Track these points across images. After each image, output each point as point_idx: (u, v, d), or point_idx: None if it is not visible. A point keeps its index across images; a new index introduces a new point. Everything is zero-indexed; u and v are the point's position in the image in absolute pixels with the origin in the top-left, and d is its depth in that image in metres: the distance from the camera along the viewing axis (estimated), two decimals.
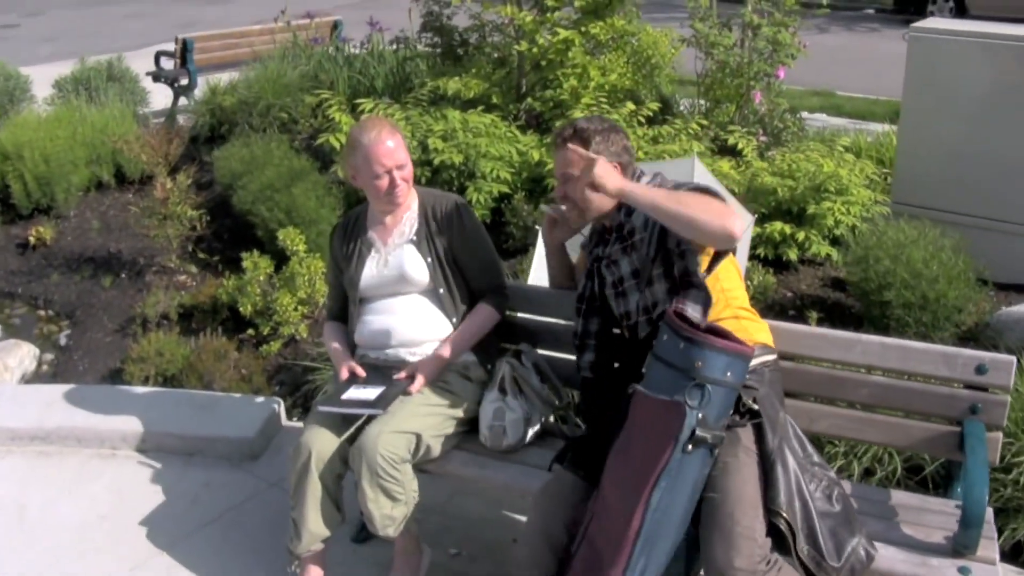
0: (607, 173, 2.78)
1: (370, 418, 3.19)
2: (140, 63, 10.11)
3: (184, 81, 9.62)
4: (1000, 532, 3.29)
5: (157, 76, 9.73)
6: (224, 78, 8.49)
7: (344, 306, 3.60)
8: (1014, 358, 2.99)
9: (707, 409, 2.51)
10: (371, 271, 3.46)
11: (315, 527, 3.25)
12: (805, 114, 7.67)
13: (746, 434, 2.75)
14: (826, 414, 3.22)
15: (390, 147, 3.33)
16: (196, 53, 9.60)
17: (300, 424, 4.46)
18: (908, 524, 2.94)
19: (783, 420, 2.82)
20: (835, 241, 5.34)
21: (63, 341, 5.76)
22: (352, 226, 3.59)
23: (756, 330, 2.97)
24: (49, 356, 5.66)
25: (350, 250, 3.53)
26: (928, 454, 3.56)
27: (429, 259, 3.42)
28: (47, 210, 7.08)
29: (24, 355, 5.54)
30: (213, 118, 7.94)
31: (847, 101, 10.11)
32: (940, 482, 3.66)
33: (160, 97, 9.80)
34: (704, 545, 2.60)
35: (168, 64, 9.86)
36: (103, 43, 14.42)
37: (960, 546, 2.78)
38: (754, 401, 2.75)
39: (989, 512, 2.88)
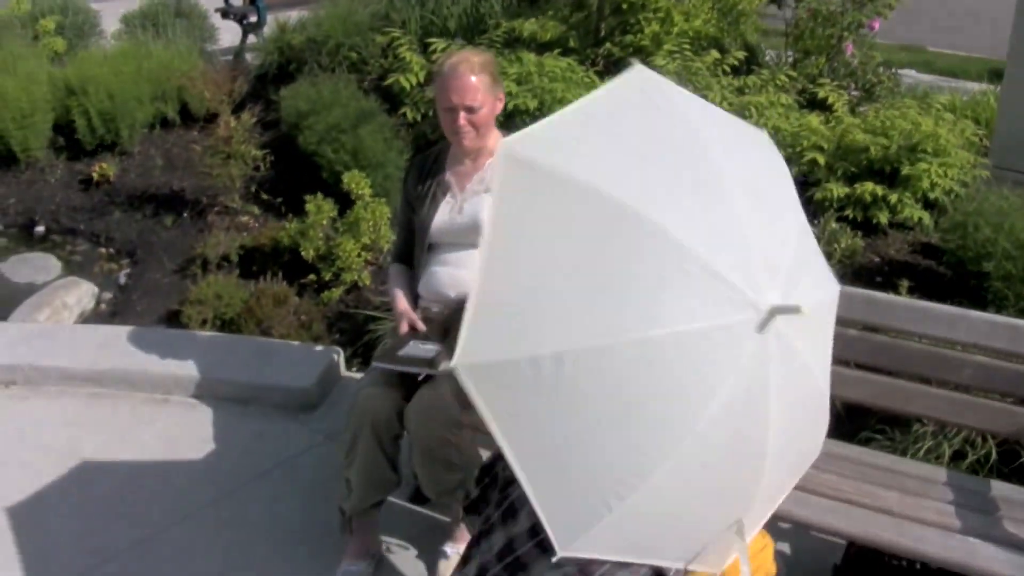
0: None
1: (428, 376, 3.00)
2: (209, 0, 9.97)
3: (253, 18, 9.41)
4: None
5: (225, 13, 9.54)
6: (293, 16, 8.29)
7: (411, 248, 3.36)
8: None
9: None
10: (443, 216, 3.22)
11: (368, 489, 3.08)
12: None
13: None
14: (922, 394, 2.97)
15: (468, 82, 3.04)
16: None
17: (359, 375, 4.32)
18: (1011, 521, 2.70)
19: None
20: (927, 205, 5.02)
21: (122, 280, 5.66)
22: (431, 164, 3.34)
23: None
24: (108, 295, 5.56)
25: (424, 190, 3.28)
26: None
27: None
28: (111, 146, 6.96)
29: (83, 294, 5.45)
30: (281, 56, 7.75)
31: (938, 57, 9.67)
32: None
33: (228, 34, 9.62)
34: None
35: (237, 1, 9.68)
36: None
37: None
38: None
39: None
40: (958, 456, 3.52)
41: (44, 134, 6.81)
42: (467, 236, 3.19)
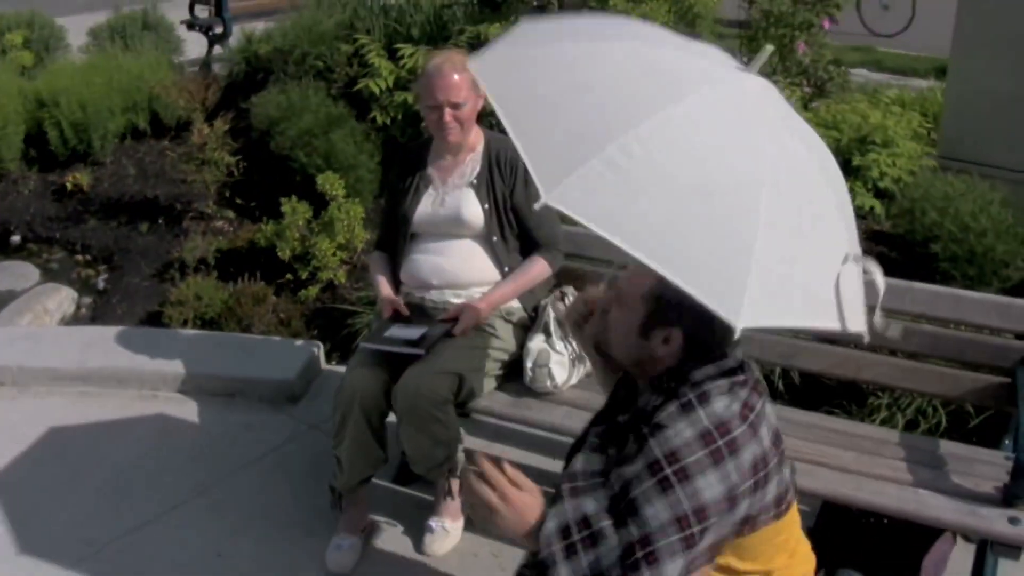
0: None
1: (413, 357, 3.18)
2: (176, 12, 10.07)
3: (219, 30, 9.54)
4: None
5: (191, 24, 9.67)
6: (259, 27, 8.42)
7: (394, 237, 3.52)
8: None
9: None
10: (426, 208, 3.40)
11: (358, 466, 3.25)
12: None
13: None
14: (873, 362, 3.19)
15: (452, 80, 3.22)
16: (231, 1, 9.52)
17: (340, 368, 4.48)
18: (957, 474, 2.91)
19: None
20: (878, 194, 5.26)
21: (101, 285, 5.78)
22: (414, 157, 3.52)
23: None
24: (87, 300, 5.68)
25: (408, 183, 3.46)
26: (978, 405, 3.51)
27: (487, 205, 3.35)
28: (83, 157, 7.06)
29: (63, 298, 5.57)
30: (248, 66, 7.89)
31: (887, 56, 9.97)
32: (985, 436, 3.62)
33: (195, 46, 9.75)
34: None
35: (203, 13, 9.80)
36: None
37: (1011, 496, 2.76)
38: None
39: None
40: (911, 426, 3.74)
41: (16, 146, 6.89)
42: (448, 227, 3.38)
